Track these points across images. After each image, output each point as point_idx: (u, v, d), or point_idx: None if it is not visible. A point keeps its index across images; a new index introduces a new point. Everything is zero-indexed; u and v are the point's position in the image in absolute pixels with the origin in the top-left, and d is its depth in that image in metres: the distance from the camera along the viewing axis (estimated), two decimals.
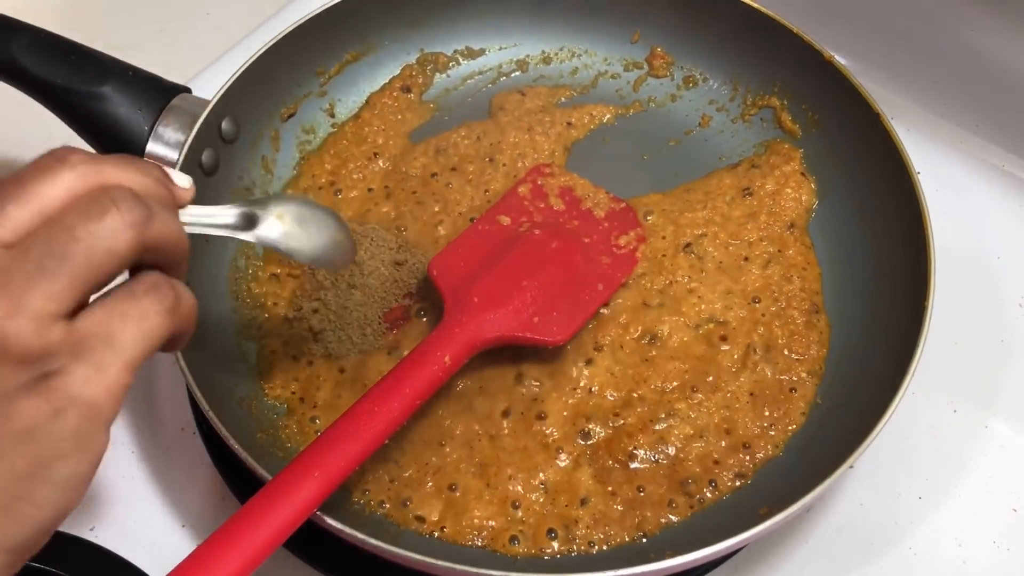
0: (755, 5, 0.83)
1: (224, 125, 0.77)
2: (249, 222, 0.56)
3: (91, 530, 0.70)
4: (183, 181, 0.53)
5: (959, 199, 0.85)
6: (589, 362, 0.73)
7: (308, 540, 0.66)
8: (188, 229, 0.52)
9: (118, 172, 0.48)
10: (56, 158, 0.47)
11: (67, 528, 0.69)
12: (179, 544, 0.70)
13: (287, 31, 0.80)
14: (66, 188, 0.46)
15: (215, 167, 0.77)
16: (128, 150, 0.75)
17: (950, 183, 0.85)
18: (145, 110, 0.75)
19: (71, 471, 0.45)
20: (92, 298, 0.46)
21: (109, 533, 0.70)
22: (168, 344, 0.49)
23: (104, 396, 0.45)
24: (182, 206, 0.53)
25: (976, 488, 0.73)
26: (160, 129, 0.75)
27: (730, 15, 0.84)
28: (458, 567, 0.58)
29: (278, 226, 0.57)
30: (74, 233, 0.44)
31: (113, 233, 0.45)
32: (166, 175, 0.51)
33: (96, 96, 0.75)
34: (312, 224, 0.59)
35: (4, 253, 0.44)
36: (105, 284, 0.46)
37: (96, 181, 0.47)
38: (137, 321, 0.46)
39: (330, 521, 0.60)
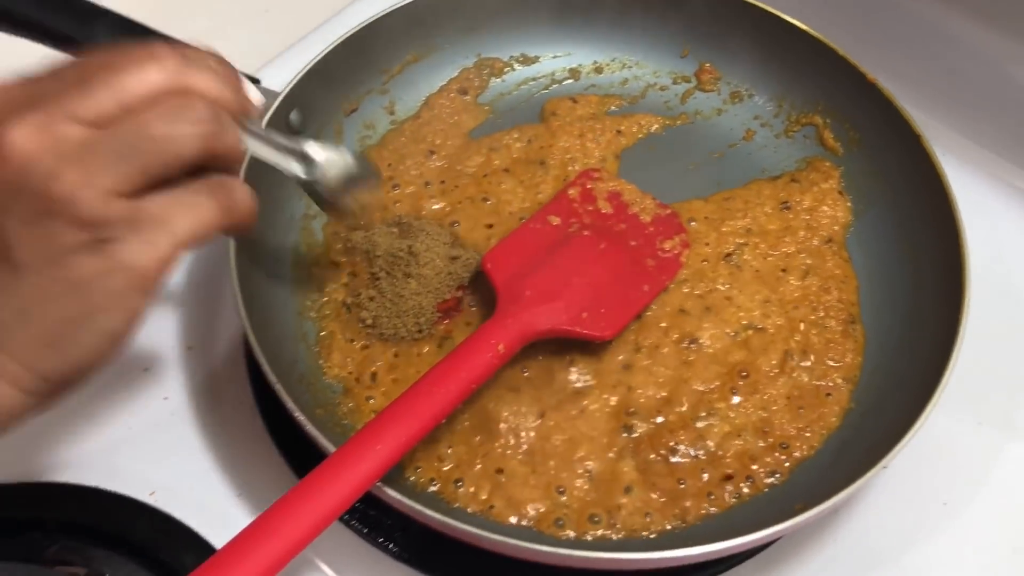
0: (802, 26, 0.86)
1: (292, 116, 0.80)
2: (298, 155, 0.63)
3: (151, 495, 0.72)
4: (255, 96, 0.58)
5: (991, 224, 0.87)
6: (631, 362, 0.75)
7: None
8: (252, 149, 0.60)
9: (201, 79, 0.53)
10: (149, 53, 0.52)
11: (129, 492, 0.72)
12: (234, 511, 0.72)
13: (354, 30, 0.83)
14: (152, 84, 0.51)
15: None
16: None
17: (983, 208, 0.87)
18: None
19: (111, 324, 0.51)
20: None
21: (168, 498, 0.72)
22: (228, 231, 0.55)
23: (150, 266, 0.51)
24: (249, 117, 0.58)
25: (999, 498, 0.76)
26: None
27: (777, 35, 0.87)
28: (510, 541, 0.61)
29: (320, 151, 0.64)
30: (151, 132, 0.50)
31: (185, 141, 0.51)
32: (242, 87, 0.56)
33: None
34: (335, 151, 0.65)
35: (89, 133, 0.49)
36: (165, 178, 0.51)
37: (180, 83, 0.52)
38: (194, 211, 0.52)
39: (390, 492, 0.63)
